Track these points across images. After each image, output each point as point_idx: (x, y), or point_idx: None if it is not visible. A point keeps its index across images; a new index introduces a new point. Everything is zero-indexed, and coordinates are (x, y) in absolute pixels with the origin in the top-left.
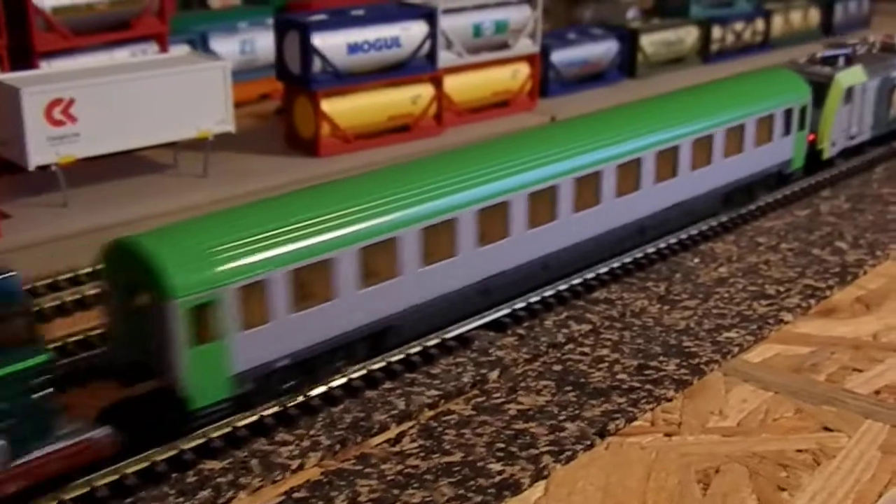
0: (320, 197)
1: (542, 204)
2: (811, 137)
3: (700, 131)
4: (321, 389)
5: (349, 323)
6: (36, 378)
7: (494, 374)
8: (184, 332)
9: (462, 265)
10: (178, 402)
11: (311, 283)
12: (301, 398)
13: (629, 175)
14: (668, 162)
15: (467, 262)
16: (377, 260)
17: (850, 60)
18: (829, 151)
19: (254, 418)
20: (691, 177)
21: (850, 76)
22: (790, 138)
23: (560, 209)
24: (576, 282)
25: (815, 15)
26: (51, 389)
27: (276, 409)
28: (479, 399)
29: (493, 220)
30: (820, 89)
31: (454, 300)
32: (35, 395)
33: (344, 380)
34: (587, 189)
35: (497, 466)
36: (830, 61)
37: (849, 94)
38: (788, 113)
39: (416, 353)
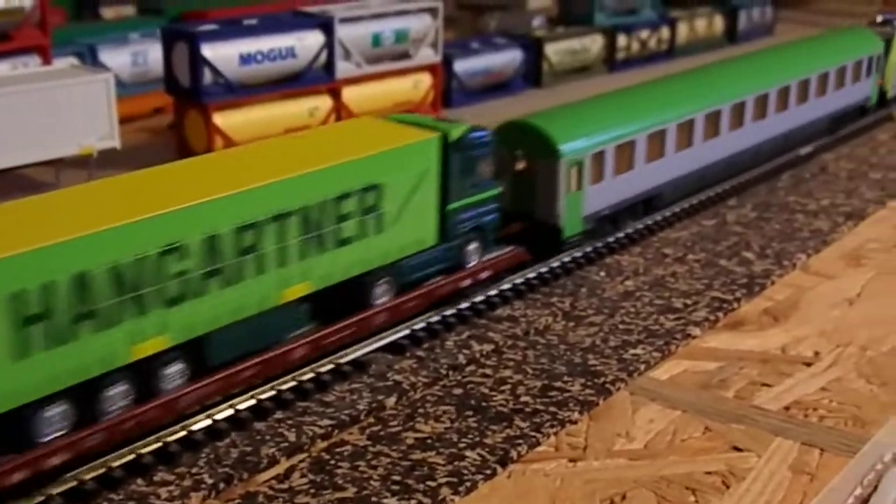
0: (628, 98)
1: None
2: (879, 81)
3: (822, 69)
4: (205, 423)
5: (640, 187)
6: (495, 203)
7: (392, 401)
8: (564, 183)
9: (695, 154)
10: (555, 232)
11: (623, 156)
12: (182, 433)
13: (783, 98)
14: (803, 90)
15: (698, 151)
16: (654, 144)
17: None
18: (891, 92)
19: (131, 457)
20: (816, 102)
21: None
22: (870, 80)
23: (746, 119)
24: (478, 299)
25: (719, 23)
26: (499, 214)
27: (155, 445)
28: (375, 428)
29: (711, 125)
30: (885, 44)
31: (690, 179)
32: (493, 216)
33: (230, 411)
34: (758, 106)
35: (392, 501)
36: (888, 23)
37: None
38: (870, 60)
39: (308, 380)
